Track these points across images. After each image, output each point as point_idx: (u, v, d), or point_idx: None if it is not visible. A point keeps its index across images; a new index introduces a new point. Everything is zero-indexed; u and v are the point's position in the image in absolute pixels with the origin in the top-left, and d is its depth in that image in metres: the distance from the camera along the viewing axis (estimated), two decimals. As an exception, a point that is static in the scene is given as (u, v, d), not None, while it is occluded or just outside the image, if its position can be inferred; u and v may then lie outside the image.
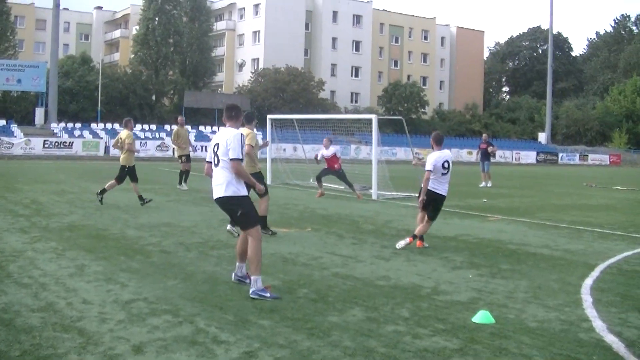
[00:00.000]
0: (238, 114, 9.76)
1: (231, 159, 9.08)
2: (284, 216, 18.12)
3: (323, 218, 17.92)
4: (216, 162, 9.30)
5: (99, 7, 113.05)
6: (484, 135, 37.10)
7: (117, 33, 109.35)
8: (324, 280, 10.03)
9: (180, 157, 26.65)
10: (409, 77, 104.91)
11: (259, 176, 13.39)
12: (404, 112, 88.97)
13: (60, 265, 10.57)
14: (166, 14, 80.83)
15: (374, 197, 24.50)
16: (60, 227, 14.64)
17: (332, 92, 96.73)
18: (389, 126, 78.27)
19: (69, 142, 56.68)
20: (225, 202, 9.36)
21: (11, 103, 72.15)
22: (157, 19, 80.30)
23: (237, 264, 9.79)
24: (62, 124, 64.48)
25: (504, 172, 52.18)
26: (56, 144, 56.04)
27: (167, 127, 71.17)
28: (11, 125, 61.78)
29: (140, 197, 19.51)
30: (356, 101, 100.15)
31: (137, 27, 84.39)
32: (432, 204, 13.29)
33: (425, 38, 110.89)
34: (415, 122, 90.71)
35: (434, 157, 13.22)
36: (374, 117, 25.57)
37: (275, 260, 11.45)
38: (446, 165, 13.29)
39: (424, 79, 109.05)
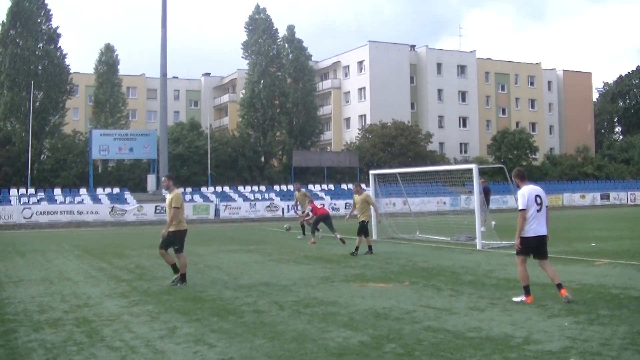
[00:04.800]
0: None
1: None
2: (385, 271, 17.97)
3: (423, 271, 17.71)
4: None
5: (207, 74, 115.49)
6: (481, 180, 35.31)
7: (225, 98, 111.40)
8: (413, 334, 9.87)
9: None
10: (517, 123, 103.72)
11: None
12: (514, 159, 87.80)
13: (152, 327, 10.70)
14: (270, 77, 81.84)
15: (478, 247, 24.17)
16: (159, 291, 14.85)
17: (441, 144, 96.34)
18: (499, 174, 77.29)
19: (181, 207, 57.58)
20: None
21: (124, 171, 73.94)
22: (262, 81, 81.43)
23: None
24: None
25: (618, 213, 50.90)
26: (164, 209, 56.98)
27: (276, 187, 71.87)
28: (125, 193, 63.33)
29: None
30: (465, 151, 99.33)
31: (244, 91, 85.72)
32: (538, 247, 12.65)
33: (532, 84, 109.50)
34: (527, 169, 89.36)
35: (524, 192, 12.63)
36: (474, 167, 25.38)
37: (367, 316, 11.34)
38: (539, 200, 12.59)
39: (533, 124, 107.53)
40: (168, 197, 16.31)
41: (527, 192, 12.62)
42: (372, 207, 23.99)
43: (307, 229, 30.74)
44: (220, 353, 8.91)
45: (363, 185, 29.46)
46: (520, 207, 12.49)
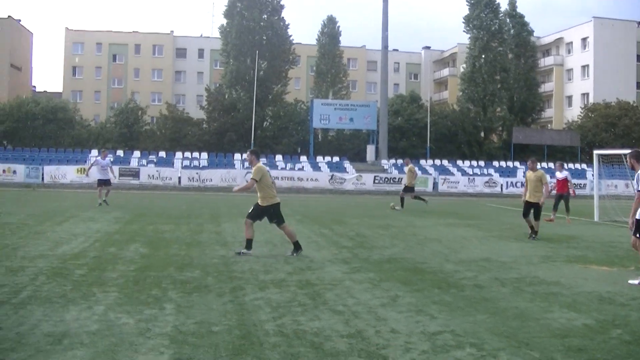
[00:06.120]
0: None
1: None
2: (608, 254, 17.42)
3: (651, 256, 17.02)
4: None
5: (427, 47, 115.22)
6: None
7: (445, 72, 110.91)
8: (641, 321, 9.51)
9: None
10: None
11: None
12: None
13: (374, 295, 10.83)
14: (492, 51, 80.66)
15: None
16: (380, 259, 15.01)
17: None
18: None
19: (399, 178, 57.87)
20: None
21: (344, 141, 75.05)
22: (483, 56, 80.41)
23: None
24: (392, 161, 66.27)
25: None
26: (386, 179, 57.54)
27: (495, 163, 71.04)
28: (344, 162, 64.51)
29: None
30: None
31: (464, 65, 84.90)
32: None
33: None
34: None
35: None
36: None
37: (591, 299, 11.04)
38: None
39: None
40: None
41: None
42: (544, 188, 20.74)
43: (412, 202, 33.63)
44: (442, 325, 8.91)
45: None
46: (639, 188, 12.58)
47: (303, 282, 11.81)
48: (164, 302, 9.96)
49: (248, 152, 16.26)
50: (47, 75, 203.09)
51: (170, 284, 11.39)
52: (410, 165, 34.36)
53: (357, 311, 9.64)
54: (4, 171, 53.21)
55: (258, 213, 15.50)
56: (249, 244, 15.37)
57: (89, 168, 33.06)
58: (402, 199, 32.92)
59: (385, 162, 65.10)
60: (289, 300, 10.26)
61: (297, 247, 15.57)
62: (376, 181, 56.83)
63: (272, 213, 15.54)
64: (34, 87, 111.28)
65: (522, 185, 60.12)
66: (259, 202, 15.50)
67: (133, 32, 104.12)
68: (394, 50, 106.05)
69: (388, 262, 14.60)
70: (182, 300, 10.13)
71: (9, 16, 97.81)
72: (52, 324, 8.51)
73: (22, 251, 14.90)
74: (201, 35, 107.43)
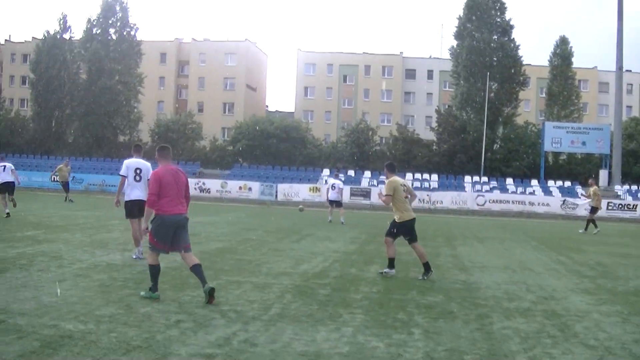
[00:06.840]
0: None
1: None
2: None
3: None
4: None
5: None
6: None
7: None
8: None
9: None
10: None
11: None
12: None
13: (625, 330, 10.46)
14: None
15: None
16: (625, 291, 14.51)
17: None
18: None
19: (633, 205, 55.98)
20: None
21: (575, 165, 73.50)
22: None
23: None
24: (626, 187, 64.13)
25: None
26: (620, 206, 55.73)
27: None
28: (576, 187, 63.03)
29: None
30: None
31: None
32: None
33: None
34: None
35: None
36: None
37: None
38: None
39: None
40: None
41: None
42: None
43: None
44: None
45: None
46: None
47: (549, 312, 11.54)
48: (411, 326, 10.02)
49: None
50: (280, 95, 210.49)
51: (414, 308, 11.44)
52: (595, 187, 35.16)
53: (610, 346, 9.33)
54: (240, 188, 55.69)
55: (396, 230, 15.20)
56: (391, 263, 15.27)
57: (328, 191, 34.03)
58: (593, 221, 33.84)
59: (618, 188, 63.07)
60: (537, 331, 10.06)
61: (427, 268, 15.02)
62: (609, 207, 54.98)
63: (407, 229, 15.18)
64: (267, 106, 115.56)
65: None
66: (395, 218, 15.19)
67: (363, 53, 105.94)
68: (627, 70, 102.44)
69: (635, 295, 14.08)
70: (429, 325, 10.14)
71: (246, 39, 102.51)
72: (304, 343, 8.75)
73: (265, 267, 15.47)
74: (430, 57, 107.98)
